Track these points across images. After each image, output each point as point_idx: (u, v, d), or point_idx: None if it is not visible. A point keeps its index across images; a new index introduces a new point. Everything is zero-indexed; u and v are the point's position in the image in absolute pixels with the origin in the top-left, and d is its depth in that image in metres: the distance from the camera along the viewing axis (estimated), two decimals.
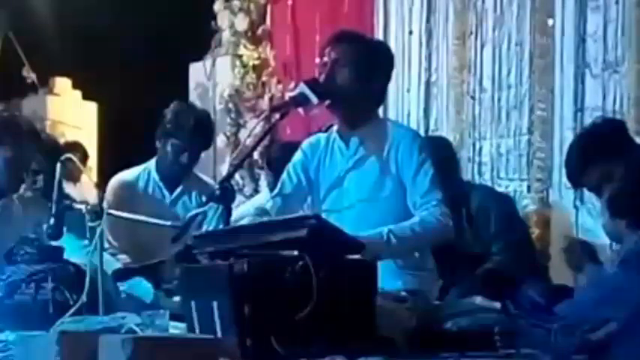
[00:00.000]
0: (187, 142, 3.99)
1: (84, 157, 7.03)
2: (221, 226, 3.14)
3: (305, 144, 3.32)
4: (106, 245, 3.82)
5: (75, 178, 4.61)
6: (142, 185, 4.07)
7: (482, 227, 4.08)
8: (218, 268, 2.57)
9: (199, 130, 4.02)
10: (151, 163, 4.12)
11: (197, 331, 2.57)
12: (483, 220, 4.08)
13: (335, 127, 3.27)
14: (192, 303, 2.61)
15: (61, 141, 7.26)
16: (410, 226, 2.98)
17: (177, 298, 3.16)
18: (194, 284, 2.67)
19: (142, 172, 4.10)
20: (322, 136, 3.30)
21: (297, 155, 3.30)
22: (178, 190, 4.08)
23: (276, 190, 3.30)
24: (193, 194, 4.07)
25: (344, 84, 3.13)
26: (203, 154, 4.27)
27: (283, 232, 2.51)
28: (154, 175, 4.08)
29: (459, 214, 4.12)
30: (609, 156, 3.18)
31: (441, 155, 4.21)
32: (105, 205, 3.80)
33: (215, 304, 2.46)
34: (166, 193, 4.07)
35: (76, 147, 7.20)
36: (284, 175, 3.30)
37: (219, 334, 2.44)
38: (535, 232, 4.80)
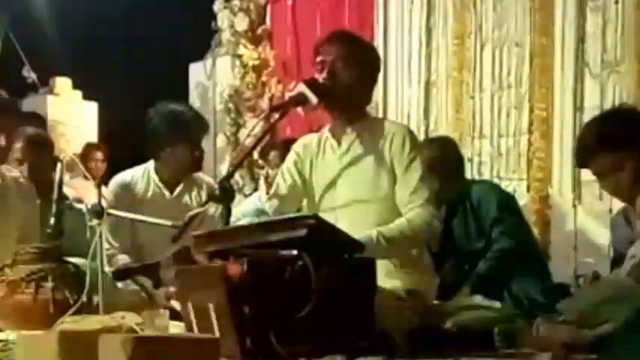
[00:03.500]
0: (179, 141, 4.00)
1: (104, 156, 7.08)
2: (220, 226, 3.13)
3: (297, 145, 3.33)
4: (107, 245, 3.84)
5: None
6: (142, 185, 4.07)
7: (484, 215, 4.09)
8: (212, 269, 2.57)
9: (188, 126, 4.02)
10: (150, 164, 4.12)
11: (195, 331, 2.57)
12: (485, 208, 4.10)
13: (327, 127, 3.27)
14: (189, 304, 2.61)
15: (62, 141, 7.27)
16: (398, 228, 3.00)
17: (174, 302, 3.16)
18: (189, 285, 2.67)
19: (141, 173, 4.10)
20: (314, 136, 3.31)
21: (290, 156, 3.31)
22: (178, 189, 4.08)
23: (271, 192, 3.30)
24: (193, 194, 4.07)
25: (344, 84, 3.13)
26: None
27: (282, 231, 2.51)
28: (153, 176, 4.08)
29: (464, 211, 4.14)
30: (625, 145, 3.14)
31: (447, 155, 4.23)
32: (105, 205, 3.81)
33: (211, 305, 2.46)
34: (166, 192, 4.07)
35: (100, 147, 7.24)
36: (278, 177, 3.30)
37: (217, 335, 2.44)
38: (534, 231, 4.80)
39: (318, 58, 3.18)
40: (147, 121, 4.04)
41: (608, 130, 3.18)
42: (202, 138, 4.16)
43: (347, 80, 3.14)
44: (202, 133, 4.15)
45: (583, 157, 3.25)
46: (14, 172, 3.72)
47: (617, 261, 3.23)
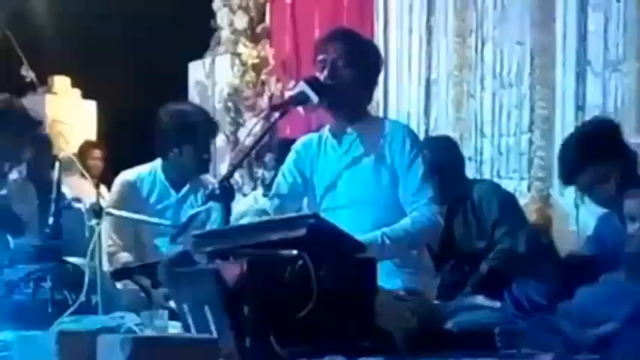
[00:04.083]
0: (187, 142, 3.99)
1: (103, 154, 7.06)
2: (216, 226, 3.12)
3: (297, 144, 3.32)
4: (110, 242, 3.85)
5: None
6: (148, 185, 4.07)
7: (485, 215, 4.09)
8: (205, 272, 2.55)
9: (196, 128, 4.02)
10: (157, 163, 4.11)
11: (194, 332, 2.55)
12: (486, 208, 4.10)
13: (327, 126, 3.26)
14: (185, 306, 2.59)
15: (61, 140, 7.26)
16: (403, 227, 3.00)
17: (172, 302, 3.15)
18: (184, 289, 2.65)
19: (148, 172, 4.10)
20: (314, 135, 3.30)
21: (291, 156, 3.29)
22: (185, 189, 4.07)
23: (272, 192, 3.29)
24: (199, 195, 4.06)
25: (346, 82, 3.12)
26: None
27: (282, 231, 2.50)
28: (160, 175, 4.08)
29: (464, 211, 4.13)
30: (607, 157, 3.16)
31: (448, 155, 4.22)
32: (109, 203, 3.81)
33: (207, 307, 2.45)
34: (173, 192, 4.06)
35: (97, 145, 7.23)
36: (279, 177, 3.29)
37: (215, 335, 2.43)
38: None
39: (319, 57, 3.16)
40: (156, 121, 4.04)
41: (587, 146, 3.21)
42: (211, 141, 4.15)
43: (348, 79, 3.12)
44: (211, 135, 4.14)
45: (566, 175, 3.29)
46: (13, 173, 3.73)
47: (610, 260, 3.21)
